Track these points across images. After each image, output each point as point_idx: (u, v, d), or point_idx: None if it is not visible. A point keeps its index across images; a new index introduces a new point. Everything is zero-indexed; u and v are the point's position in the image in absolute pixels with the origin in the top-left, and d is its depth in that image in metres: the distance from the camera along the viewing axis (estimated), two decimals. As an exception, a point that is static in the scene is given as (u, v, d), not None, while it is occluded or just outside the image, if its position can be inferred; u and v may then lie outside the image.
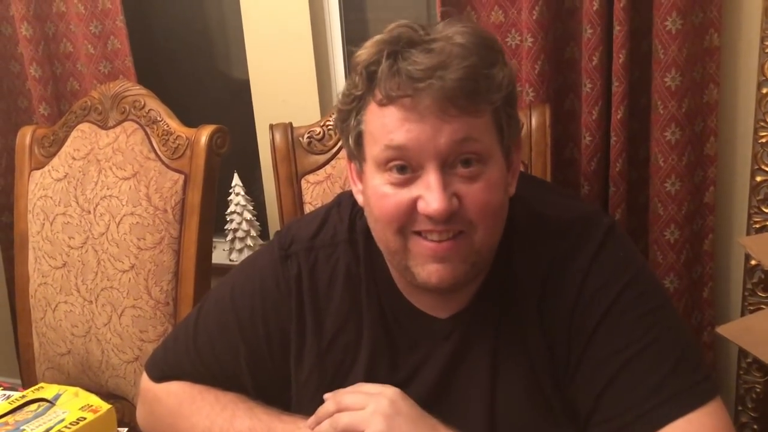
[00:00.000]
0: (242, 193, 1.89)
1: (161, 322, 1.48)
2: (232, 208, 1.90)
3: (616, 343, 0.85)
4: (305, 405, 0.94)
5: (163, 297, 1.48)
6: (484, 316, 0.91)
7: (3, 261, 2.14)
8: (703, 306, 1.54)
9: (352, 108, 0.85)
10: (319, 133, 1.46)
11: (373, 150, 0.83)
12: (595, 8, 1.38)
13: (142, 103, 1.52)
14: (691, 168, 1.45)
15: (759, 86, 1.41)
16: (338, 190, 1.39)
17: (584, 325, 0.86)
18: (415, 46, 0.79)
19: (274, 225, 1.93)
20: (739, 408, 1.57)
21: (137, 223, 1.49)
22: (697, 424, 0.81)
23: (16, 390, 1.11)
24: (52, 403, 1.02)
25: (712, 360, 1.57)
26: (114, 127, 1.55)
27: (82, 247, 1.57)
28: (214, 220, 1.48)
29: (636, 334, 0.84)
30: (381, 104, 0.81)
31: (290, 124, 1.47)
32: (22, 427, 0.97)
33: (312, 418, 0.89)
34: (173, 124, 1.49)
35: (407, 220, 0.82)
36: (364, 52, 0.82)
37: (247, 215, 1.90)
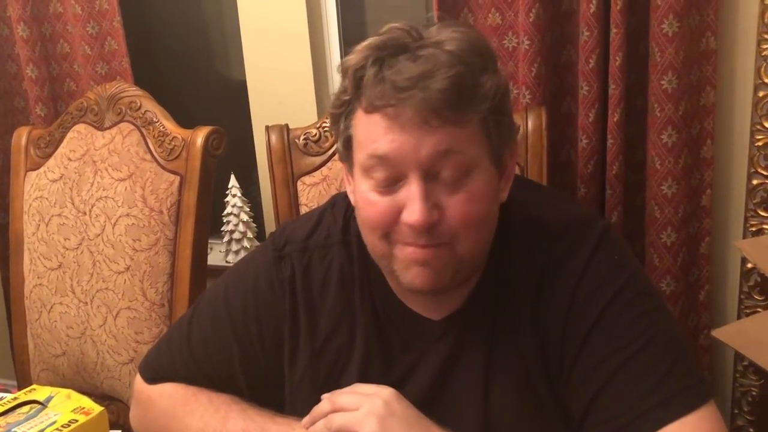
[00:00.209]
0: (239, 194, 1.88)
1: (156, 323, 1.48)
2: (229, 209, 1.89)
3: (611, 346, 0.84)
4: (299, 405, 0.94)
5: (159, 298, 1.47)
6: (478, 318, 0.91)
7: (-2, 262, 2.13)
8: (700, 309, 1.54)
9: (341, 112, 0.85)
10: (315, 134, 1.46)
11: (359, 156, 0.83)
12: (592, 11, 1.38)
13: (138, 104, 1.52)
14: (687, 171, 1.45)
15: (755, 89, 1.42)
16: (334, 192, 1.38)
17: (578, 328, 0.86)
18: (402, 53, 0.78)
19: (270, 227, 1.92)
20: (735, 411, 1.57)
21: (133, 224, 1.48)
22: (691, 427, 0.80)
23: (10, 392, 1.10)
24: (44, 405, 1.01)
25: (708, 363, 1.56)
26: (110, 128, 1.55)
27: (77, 248, 1.56)
28: (209, 222, 1.48)
29: (630, 336, 0.84)
30: (367, 111, 0.81)
31: (286, 125, 1.47)
32: (13, 430, 0.96)
33: (307, 418, 0.89)
34: (169, 125, 1.49)
35: (391, 227, 0.82)
36: (353, 57, 0.81)
37: (244, 217, 1.90)
